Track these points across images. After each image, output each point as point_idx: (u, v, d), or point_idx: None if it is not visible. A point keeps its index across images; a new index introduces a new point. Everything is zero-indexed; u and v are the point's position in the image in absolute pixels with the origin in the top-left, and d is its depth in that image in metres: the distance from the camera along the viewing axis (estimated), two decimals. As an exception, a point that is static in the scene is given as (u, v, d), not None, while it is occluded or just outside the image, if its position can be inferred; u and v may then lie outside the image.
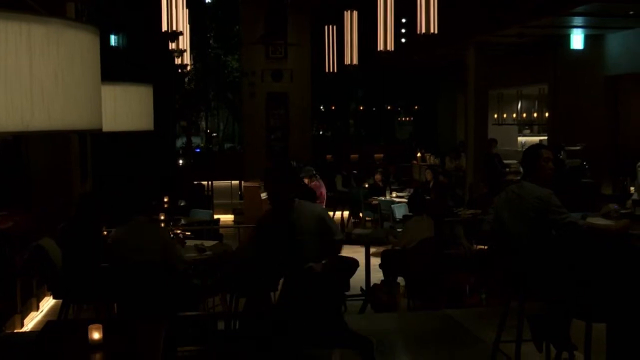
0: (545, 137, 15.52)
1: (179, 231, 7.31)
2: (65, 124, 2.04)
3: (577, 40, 12.96)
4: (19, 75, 1.90)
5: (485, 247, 7.70)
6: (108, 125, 4.18)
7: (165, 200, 10.30)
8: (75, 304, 6.27)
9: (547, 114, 15.15)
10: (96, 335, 3.37)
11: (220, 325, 5.44)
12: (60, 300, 6.20)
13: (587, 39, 12.99)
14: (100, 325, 3.39)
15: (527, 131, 19.00)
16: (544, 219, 4.53)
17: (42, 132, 1.99)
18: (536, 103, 16.32)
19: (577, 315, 4.20)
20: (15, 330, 6.71)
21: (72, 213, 6.31)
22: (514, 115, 16.97)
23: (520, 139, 18.49)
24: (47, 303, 7.88)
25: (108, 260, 5.73)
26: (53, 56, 1.98)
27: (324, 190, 11.44)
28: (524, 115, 16.82)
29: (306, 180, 12.25)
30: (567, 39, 12.98)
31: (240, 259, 5.26)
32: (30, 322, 7.26)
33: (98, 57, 2.26)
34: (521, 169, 5.19)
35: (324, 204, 11.29)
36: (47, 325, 4.07)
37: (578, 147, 12.46)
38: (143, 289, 5.30)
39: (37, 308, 7.67)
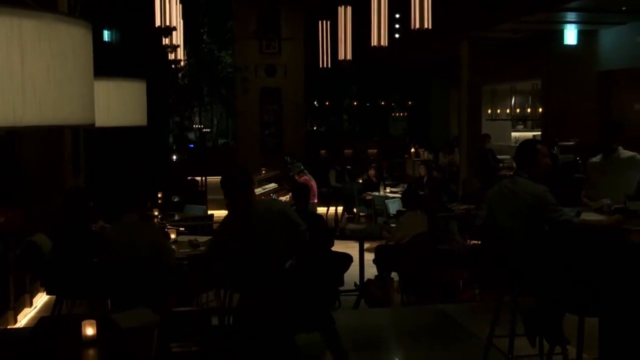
0: (539, 133, 15.54)
1: (168, 227, 7.29)
2: (58, 119, 2.03)
3: (570, 35, 12.99)
4: (11, 70, 1.89)
5: (479, 242, 7.72)
6: (101, 121, 4.17)
7: (159, 196, 10.28)
8: (68, 300, 6.26)
9: (540, 110, 15.18)
10: (90, 331, 3.36)
11: (214, 320, 5.43)
12: (54, 296, 6.20)
13: (581, 34, 13.01)
14: (94, 321, 3.38)
15: (521, 126, 19.02)
16: (537, 215, 4.53)
17: (34, 127, 1.98)
18: (530, 98, 16.34)
19: (570, 309, 4.21)
20: (9, 327, 6.69)
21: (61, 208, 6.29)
22: (508, 110, 16.99)
23: (513, 134, 18.51)
24: (41, 299, 7.87)
25: (101, 256, 5.71)
26: (45, 51, 1.97)
27: (314, 184, 11.51)
28: (518, 110, 16.85)
29: (296, 177, 12.29)
30: (560, 34, 13.00)
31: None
32: (24, 318, 7.25)
33: (90, 52, 2.25)
34: (514, 164, 5.18)
35: (316, 197, 11.32)
36: (41, 321, 4.06)
37: (571, 143, 12.49)
38: (135, 285, 5.30)
39: (31, 304, 7.65)
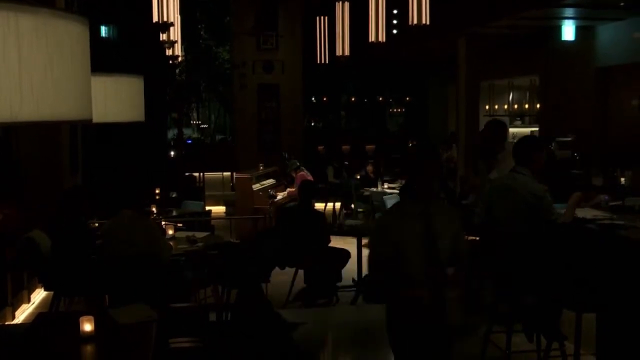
0: (537, 129, 15.53)
1: (166, 223, 7.29)
2: (55, 114, 2.03)
3: (568, 31, 12.98)
4: (8, 66, 1.88)
5: (477, 238, 7.71)
6: (99, 117, 4.17)
7: (157, 192, 10.28)
8: (66, 297, 6.26)
9: (538, 106, 15.16)
10: (88, 327, 3.38)
11: (212, 317, 5.44)
12: (52, 293, 6.20)
13: (578, 30, 13.00)
14: (92, 317, 3.39)
15: (519, 122, 19.02)
16: (535, 213, 4.53)
17: (31, 123, 1.98)
18: (527, 94, 16.33)
19: (568, 306, 4.22)
20: (7, 323, 6.69)
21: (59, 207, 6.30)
22: (506, 106, 16.97)
23: (511, 130, 18.50)
24: (39, 295, 7.86)
25: (99, 253, 5.72)
26: (42, 47, 1.96)
27: (310, 178, 11.56)
28: (515, 106, 16.82)
29: (292, 173, 12.30)
30: (558, 30, 12.99)
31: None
32: (22, 314, 7.24)
33: (88, 48, 2.24)
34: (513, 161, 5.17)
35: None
36: (39, 317, 4.06)
37: (569, 139, 12.49)
38: (133, 282, 5.30)
39: (29, 300, 7.65)
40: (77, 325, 3.37)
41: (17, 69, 1.90)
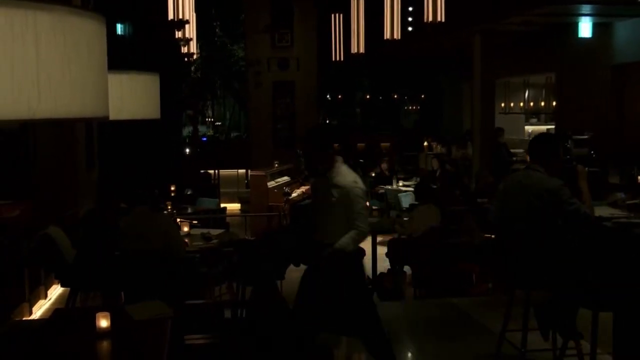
0: (553, 126, 15.46)
1: (179, 220, 7.32)
2: (72, 112, 2.04)
3: (585, 28, 12.90)
4: (26, 64, 1.89)
5: (492, 235, 7.68)
6: (115, 114, 4.18)
7: (172, 189, 10.32)
8: (82, 292, 6.30)
9: (554, 103, 15.08)
10: (104, 323, 3.39)
11: (227, 314, 5.46)
12: (68, 289, 6.24)
13: (595, 27, 12.92)
14: (108, 314, 3.41)
15: (534, 120, 18.93)
16: (551, 210, 4.50)
17: (48, 121, 1.99)
18: (543, 92, 16.25)
19: (584, 304, 4.19)
20: (24, 318, 6.75)
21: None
22: (521, 104, 16.90)
23: (527, 127, 18.43)
24: (55, 291, 7.92)
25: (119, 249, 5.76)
26: (60, 44, 1.97)
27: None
28: (531, 104, 16.75)
29: (307, 172, 12.30)
30: (574, 27, 12.92)
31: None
32: (39, 310, 7.30)
33: (104, 46, 2.25)
34: (528, 157, 5.15)
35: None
36: (55, 313, 4.08)
37: (585, 136, 12.42)
38: (148, 278, 5.32)
39: (45, 296, 7.71)
40: (93, 321, 3.38)
41: (35, 66, 1.91)
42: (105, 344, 3.37)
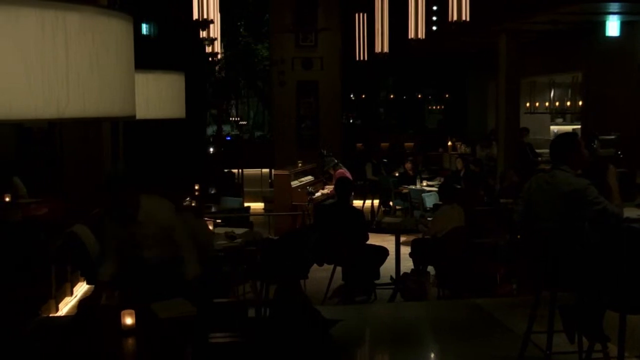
0: (579, 126, 15.31)
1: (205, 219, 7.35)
2: (100, 111, 2.06)
3: (612, 27, 12.75)
4: (56, 63, 1.91)
5: (517, 236, 7.63)
6: (140, 113, 4.21)
7: (196, 187, 10.37)
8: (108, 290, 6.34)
9: (580, 103, 14.94)
10: (129, 320, 3.41)
11: (251, 312, 5.47)
12: (93, 286, 6.29)
13: (623, 25, 12.77)
14: (133, 311, 3.43)
15: (560, 120, 18.77)
16: (577, 210, 4.47)
17: (77, 120, 2.01)
18: (569, 91, 16.10)
19: (611, 306, 4.14)
20: (51, 314, 6.82)
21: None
22: (547, 103, 16.77)
23: (553, 127, 18.27)
24: (81, 288, 8.00)
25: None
26: (88, 44, 1.99)
27: (349, 175, 11.58)
28: (557, 103, 16.61)
29: (331, 171, 12.31)
30: (602, 25, 12.77)
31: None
32: (65, 306, 7.38)
33: (132, 45, 2.27)
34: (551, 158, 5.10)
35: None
36: (81, 305, 4.13)
37: (612, 137, 12.29)
38: (171, 277, 5.34)
39: (71, 293, 7.79)
40: (118, 319, 3.40)
41: (65, 66, 1.93)
42: (130, 342, 3.38)
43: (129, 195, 4.34)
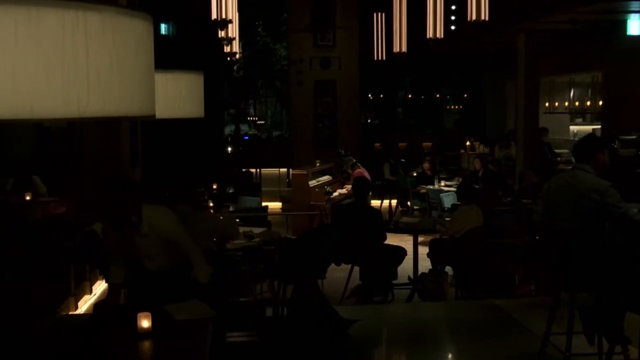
0: (599, 126, 15.19)
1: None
2: (120, 110, 2.07)
3: (634, 25, 12.62)
4: (76, 63, 1.93)
5: (536, 236, 7.58)
6: (160, 112, 4.22)
7: (214, 187, 10.40)
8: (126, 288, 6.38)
9: (600, 102, 14.82)
10: (145, 323, 3.37)
11: (269, 312, 5.48)
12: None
13: (644, 24, 12.65)
14: (149, 314, 3.40)
15: (580, 120, 18.63)
16: (598, 211, 4.43)
17: (97, 119, 2.02)
18: (589, 91, 15.98)
19: (631, 307, 4.11)
20: (70, 313, 6.88)
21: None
22: (566, 103, 16.65)
23: (572, 127, 18.14)
24: (100, 287, 8.05)
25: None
26: (108, 44, 2.00)
27: (367, 175, 11.58)
28: (577, 103, 16.49)
29: (349, 170, 12.30)
30: (623, 24, 12.65)
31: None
32: (84, 304, 7.43)
33: (151, 45, 2.28)
34: (573, 158, 5.07)
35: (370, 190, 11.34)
36: (96, 307, 4.12)
37: (633, 137, 12.17)
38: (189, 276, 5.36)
39: (90, 291, 7.84)
40: (135, 321, 3.37)
41: (85, 65, 1.95)
42: (146, 345, 3.35)
43: (128, 200, 4.16)
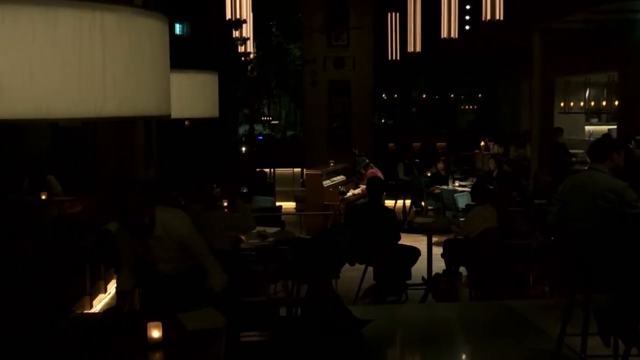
0: (614, 127, 15.08)
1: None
2: (136, 110, 2.08)
3: (649, 25, 12.54)
4: (93, 63, 1.94)
5: (550, 237, 7.55)
6: (174, 112, 4.23)
7: (228, 186, 10.39)
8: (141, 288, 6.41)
9: (616, 102, 14.71)
10: (155, 333, 3.28)
11: (283, 312, 5.49)
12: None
13: (661, 23, 12.55)
14: (160, 323, 3.29)
15: (595, 120, 18.51)
16: (614, 211, 4.41)
17: (113, 119, 2.04)
18: (605, 91, 15.87)
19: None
20: (85, 311, 6.92)
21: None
22: (582, 103, 16.54)
23: (587, 127, 18.03)
24: (115, 286, 8.09)
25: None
26: (125, 44, 2.02)
27: (380, 175, 11.58)
28: (592, 103, 16.38)
29: (362, 170, 12.30)
30: (638, 24, 12.57)
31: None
32: (99, 303, 7.48)
33: (167, 45, 2.29)
34: (588, 159, 5.04)
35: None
36: (105, 314, 4.08)
37: (649, 137, 12.08)
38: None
39: (105, 290, 7.89)
40: (145, 331, 3.28)
41: (102, 65, 1.96)
42: (157, 356, 3.27)
43: (136, 201, 4.10)
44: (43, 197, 8.10)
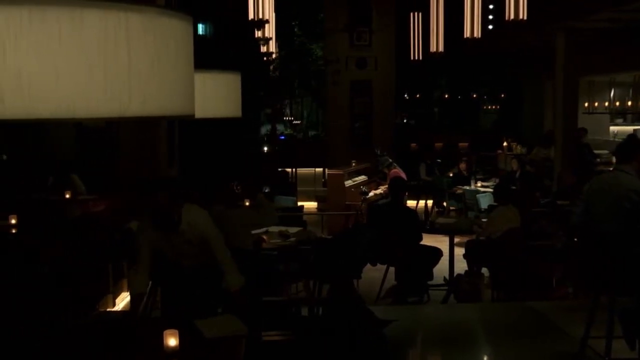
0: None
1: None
2: (160, 110, 2.10)
3: (676, 25, 12.38)
4: (118, 63, 1.96)
5: (574, 238, 7.49)
6: (198, 112, 4.25)
7: (250, 185, 10.41)
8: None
9: (641, 103, 14.57)
10: (172, 342, 3.19)
11: (304, 311, 5.50)
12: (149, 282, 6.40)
13: (688, 22, 12.38)
14: (176, 331, 3.21)
15: (620, 120, 18.32)
16: (639, 212, 4.36)
17: (137, 119, 2.06)
18: (630, 91, 15.70)
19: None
20: (108, 309, 6.98)
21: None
22: (606, 103, 16.38)
23: (612, 128, 17.85)
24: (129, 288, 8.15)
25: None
26: (149, 44, 2.03)
27: (403, 175, 11.55)
28: (617, 103, 16.21)
29: (385, 170, 12.28)
30: (665, 23, 12.42)
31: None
32: (122, 301, 7.53)
33: (191, 45, 2.31)
34: (614, 159, 5.00)
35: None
36: (122, 319, 4.08)
37: (675, 138, 11.94)
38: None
39: (127, 289, 7.95)
40: (161, 338, 3.20)
41: (127, 65, 1.98)
42: None
43: (167, 200, 4.24)
44: (67, 196, 8.18)
